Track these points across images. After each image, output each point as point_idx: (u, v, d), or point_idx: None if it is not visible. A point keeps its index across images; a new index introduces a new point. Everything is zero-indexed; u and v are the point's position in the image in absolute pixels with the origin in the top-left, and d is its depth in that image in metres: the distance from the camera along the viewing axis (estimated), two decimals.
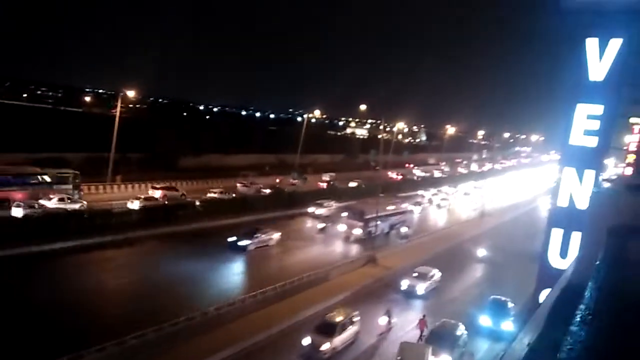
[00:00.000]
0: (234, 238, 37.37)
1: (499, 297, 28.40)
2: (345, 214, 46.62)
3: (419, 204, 63.46)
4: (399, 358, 19.93)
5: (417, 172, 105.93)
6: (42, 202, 39.89)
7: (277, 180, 67.51)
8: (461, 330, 23.70)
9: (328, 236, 45.90)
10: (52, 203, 39.88)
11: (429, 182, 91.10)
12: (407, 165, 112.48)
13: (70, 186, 44.47)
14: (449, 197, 74.51)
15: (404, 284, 31.59)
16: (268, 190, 59.10)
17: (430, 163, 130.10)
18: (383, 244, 43.54)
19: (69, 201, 41.23)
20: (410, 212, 52.94)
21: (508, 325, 26.04)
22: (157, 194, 48.84)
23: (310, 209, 53.37)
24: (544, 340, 3.58)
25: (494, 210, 67.47)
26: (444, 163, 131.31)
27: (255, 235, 38.37)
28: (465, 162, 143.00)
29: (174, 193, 50.98)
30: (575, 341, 2.71)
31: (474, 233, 52.62)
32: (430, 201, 71.29)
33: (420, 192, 73.51)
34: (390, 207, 48.70)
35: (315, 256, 38.49)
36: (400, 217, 50.07)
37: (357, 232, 44.08)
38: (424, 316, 25.73)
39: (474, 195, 78.79)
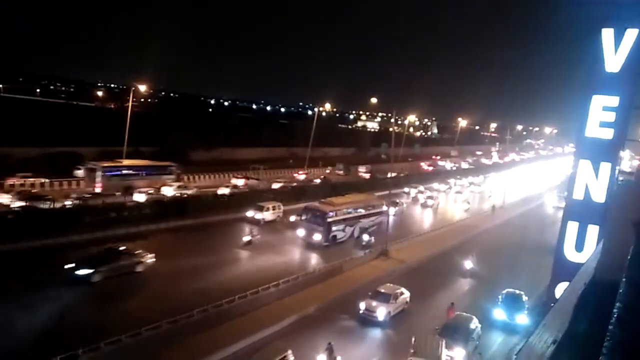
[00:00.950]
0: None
1: (513, 290, 28.24)
2: (304, 216, 38.75)
3: (395, 204, 52.42)
4: (412, 351, 19.94)
5: (448, 164, 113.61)
6: (163, 189, 48.80)
7: (327, 171, 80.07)
8: (475, 323, 23.62)
9: (268, 247, 36.28)
10: (171, 190, 48.97)
11: (459, 173, 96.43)
12: (434, 157, 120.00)
13: (173, 176, 53.06)
14: (436, 195, 66.52)
15: (362, 306, 25.53)
16: (318, 181, 68.10)
17: (452, 155, 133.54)
18: (344, 252, 35.76)
19: (185, 189, 50.71)
20: (387, 213, 42.20)
21: (522, 319, 25.92)
22: (240, 182, 58.62)
23: (249, 213, 42.65)
24: (573, 336, 3.54)
25: (495, 206, 61.61)
26: (479, 153, 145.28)
27: None
28: (483, 153, 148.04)
29: (253, 182, 59.32)
30: (615, 341, 2.66)
31: (452, 243, 42.82)
32: (414, 199, 64.51)
33: (406, 189, 67.33)
34: (361, 207, 41.69)
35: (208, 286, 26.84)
36: (376, 219, 43.22)
37: (317, 237, 37.06)
38: (452, 304, 26.11)
39: (468, 191, 76.21)
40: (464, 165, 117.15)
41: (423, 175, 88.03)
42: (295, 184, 60.54)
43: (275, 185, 58.03)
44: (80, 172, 50.03)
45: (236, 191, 52.36)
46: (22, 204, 37.01)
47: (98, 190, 44.77)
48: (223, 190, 51.34)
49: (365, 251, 36.46)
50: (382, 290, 26.48)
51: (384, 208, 44.09)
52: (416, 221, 54.27)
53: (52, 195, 40.82)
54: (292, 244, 38.11)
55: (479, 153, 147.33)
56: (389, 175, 66.34)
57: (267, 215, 43.27)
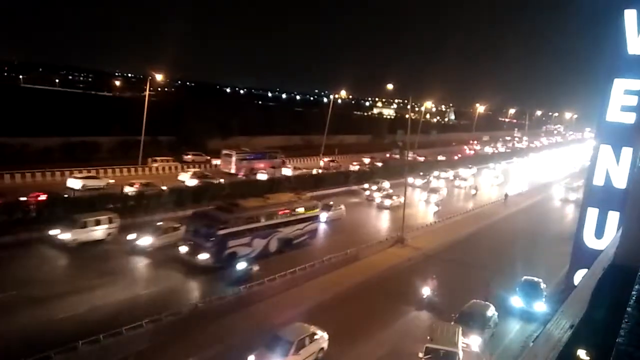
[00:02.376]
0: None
1: (531, 277, 28.02)
2: (190, 227, 29.35)
3: (329, 207, 41.82)
4: (428, 338, 19.96)
5: (489, 148, 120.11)
6: (283, 170, 59.77)
7: (387, 155, 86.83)
8: (492, 311, 23.52)
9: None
10: (289, 171, 59.69)
11: (499, 157, 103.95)
12: (471, 141, 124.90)
13: (279, 160, 63.34)
14: (396, 195, 50.70)
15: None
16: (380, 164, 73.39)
17: (484, 140, 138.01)
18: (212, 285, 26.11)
19: (294, 169, 61.35)
20: (318, 219, 35.95)
21: (540, 306, 25.74)
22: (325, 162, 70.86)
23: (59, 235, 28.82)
24: (590, 321, 3.48)
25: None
26: (508, 138, 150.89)
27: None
28: (509, 138, 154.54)
29: (334, 164, 70.71)
30: (633, 323, 2.60)
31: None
32: (370, 198, 52.07)
33: (366, 185, 55.80)
34: (282, 212, 32.44)
35: None
36: (306, 227, 33.98)
37: (204, 257, 27.24)
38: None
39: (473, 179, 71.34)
40: (502, 149, 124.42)
41: (455, 160, 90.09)
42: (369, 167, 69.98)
43: (354, 167, 67.04)
44: (188, 157, 60.80)
45: (325, 171, 63.00)
46: (197, 181, 47.13)
47: (233, 171, 56.51)
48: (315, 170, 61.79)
49: (241, 287, 24.53)
50: (282, 336, 19.21)
51: (319, 212, 36.54)
52: (342, 234, 38.14)
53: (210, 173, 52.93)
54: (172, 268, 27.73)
55: (507, 138, 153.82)
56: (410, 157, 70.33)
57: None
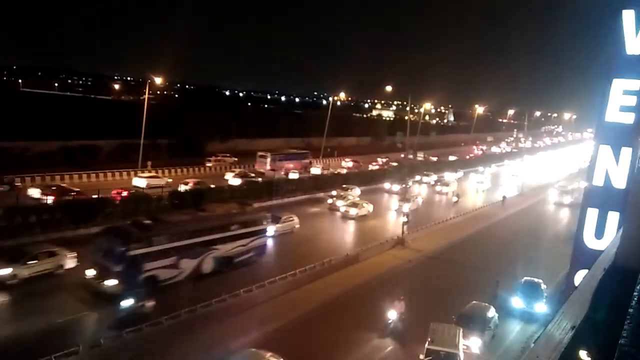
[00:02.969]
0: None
1: (531, 278, 28.00)
2: (99, 246, 24.52)
3: (277, 219, 35.75)
4: (429, 339, 19.91)
5: (496, 148, 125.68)
6: (312, 170, 64.65)
7: (402, 156, 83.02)
8: (492, 312, 23.49)
9: None
10: (319, 170, 64.60)
11: (505, 156, 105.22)
12: (477, 143, 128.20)
13: (309, 160, 69.01)
14: (366, 202, 46.21)
15: None
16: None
17: (488, 141, 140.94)
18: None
19: (324, 169, 65.93)
20: (265, 234, 31.20)
21: (541, 307, 25.72)
22: (349, 164, 74.63)
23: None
24: (591, 322, 3.47)
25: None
26: (511, 139, 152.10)
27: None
28: (512, 139, 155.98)
29: (357, 164, 75.23)
30: (635, 324, 2.59)
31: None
32: (333, 207, 46.43)
33: (334, 192, 49.49)
34: (219, 225, 28.05)
35: None
36: (251, 243, 29.29)
37: (111, 283, 22.58)
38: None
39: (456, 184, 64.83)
40: (507, 149, 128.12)
41: (465, 160, 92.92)
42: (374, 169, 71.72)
43: (373, 167, 72.26)
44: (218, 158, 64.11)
45: (347, 171, 66.41)
46: (240, 180, 51.12)
47: (268, 168, 60.27)
48: (340, 170, 67.19)
49: (124, 331, 19.06)
50: None
51: (265, 225, 31.30)
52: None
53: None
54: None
55: (511, 138, 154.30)
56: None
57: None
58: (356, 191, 51.76)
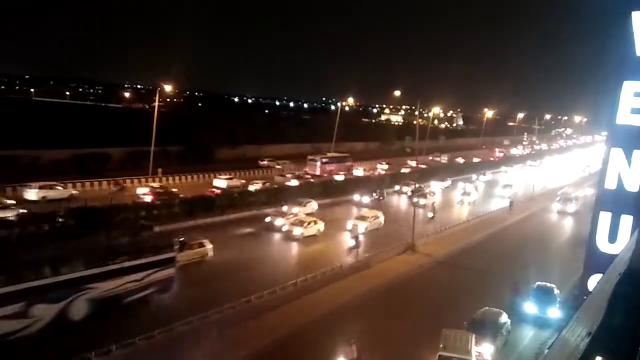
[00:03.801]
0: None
1: (544, 283, 27.72)
2: None
3: (182, 246, 28.82)
4: (441, 346, 19.75)
5: (514, 149, 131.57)
6: (354, 172, 70.28)
7: (430, 158, 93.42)
8: (504, 318, 23.24)
9: None
10: (359, 172, 70.19)
11: (526, 158, 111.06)
12: (497, 145, 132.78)
13: (350, 163, 73.54)
14: (314, 221, 38.80)
15: None
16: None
17: (505, 144, 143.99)
18: None
19: (364, 170, 71.56)
20: (172, 264, 24.80)
21: (554, 312, 25.43)
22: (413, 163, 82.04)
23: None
24: (608, 328, 3.41)
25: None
26: (525, 142, 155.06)
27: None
28: (527, 142, 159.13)
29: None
30: None
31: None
32: (270, 227, 38.74)
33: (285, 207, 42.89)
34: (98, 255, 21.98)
35: None
36: (146, 278, 23.26)
37: None
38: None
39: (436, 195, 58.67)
40: (525, 151, 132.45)
41: (487, 162, 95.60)
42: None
43: (405, 170, 74.51)
44: (264, 162, 70.28)
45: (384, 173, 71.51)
46: (297, 181, 56.85)
47: (318, 172, 66.04)
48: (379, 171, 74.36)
49: None
50: None
51: (170, 254, 24.78)
52: None
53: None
54: None
55: (525, 142, 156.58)
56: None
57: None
58: (313, 205, 45.62)
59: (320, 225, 38.70)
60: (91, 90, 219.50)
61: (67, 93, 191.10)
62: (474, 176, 76.20)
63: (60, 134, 62.87)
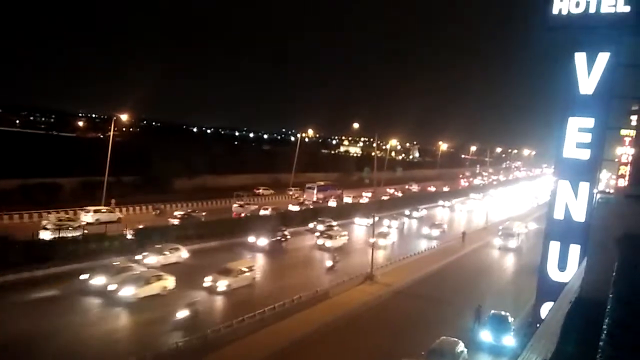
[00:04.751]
0: None
1: (499, 312, 28.25)
2: None
3: None
4: None
5: (477, 180, 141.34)
6: (345, 199, 75.14)
7: (407, 187, 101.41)
8: (461, 347, 23.47)
9: None
10: (350, 199, 74.94)
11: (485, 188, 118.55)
12: (461, 176, 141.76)
13: (340, 191, 78.66)
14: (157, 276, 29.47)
15: None
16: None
17: (465, 175, 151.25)
18: None
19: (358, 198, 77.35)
20: None
21: (509, 340, 25.88)
22: (415, 187, 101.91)
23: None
24: (561, 354, 3.53)
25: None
26: (485, 173, 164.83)
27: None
28: (486, 173, 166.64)
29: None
30: (606, 356, 2.66)
31: None
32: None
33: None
34: None
35: None
36: None
37: None
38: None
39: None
40: (479, 181, 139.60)
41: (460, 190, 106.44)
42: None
43: (385, 197, 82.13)
44: (259, 191, 74.69)
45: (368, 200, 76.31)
46: (299, 207, 62.56)
47: (315, 199, 71.21)
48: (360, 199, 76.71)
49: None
50: None
51: None
52: None
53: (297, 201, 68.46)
54: None
55: (484, 174, 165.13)
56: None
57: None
58: (180, 253, 36.04)
59: (168, 282, 29.30)
60: (43, 119, 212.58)
61: (17, 121, 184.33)
62: (407, 211, 68.67)
63: (8, 163, 60.33)
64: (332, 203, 69.10)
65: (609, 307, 3.65)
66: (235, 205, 58.55)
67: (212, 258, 36.48)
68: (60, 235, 35.99)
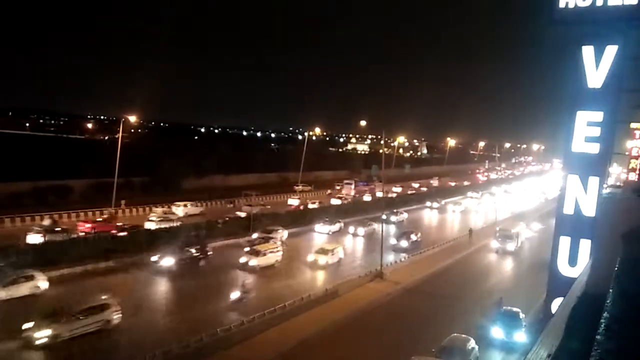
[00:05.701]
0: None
1: (510, 308, 28.15)
2: None
3: None
4: None
5: (493, 174, 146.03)
6: (377, 193, 76.42)
7: (431, 181, 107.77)
8: (471, 344, 23.41)
9: None
10: (380, 193, 71.97)
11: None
12: (478, 170, 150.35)
13: (373, 186, 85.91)
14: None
15: None
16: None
17: (480, 170, 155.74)
18: None
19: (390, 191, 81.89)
20: None
21: (520, 337, 25.78)
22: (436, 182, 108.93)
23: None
24: (565, 350, 3.54)
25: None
26: (499, 167, 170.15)
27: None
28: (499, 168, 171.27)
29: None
30: (602, 350, 2.68)
31: None
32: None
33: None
34: None
35: None
36: None
37: None
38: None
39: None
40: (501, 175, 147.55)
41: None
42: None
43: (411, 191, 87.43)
44: (298, 187, 76.91)
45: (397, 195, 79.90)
46: (340, 201, 68.64)
47: (352, 194, 77.56)
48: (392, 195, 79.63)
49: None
50: None
51: None
52: None
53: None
54: None
55: (498, 168, 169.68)
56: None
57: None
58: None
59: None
60: (52, 122, 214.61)
61: (27, 124, 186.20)
62: (384, 216, 50.86)
63: (20, 166, 61.05)
64: (367, 197, 74.03)
65: (608, 301, 3.65)
66: (244, 207, 58.68)
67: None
68: (161, 226, 43.47)
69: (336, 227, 51.17)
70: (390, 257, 41.93)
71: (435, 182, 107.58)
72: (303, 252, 40.84)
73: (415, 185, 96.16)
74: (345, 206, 64.05)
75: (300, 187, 77.08)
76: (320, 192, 79.63)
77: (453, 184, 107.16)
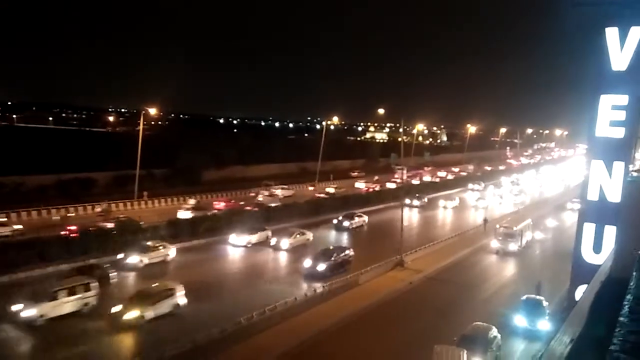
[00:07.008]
0: None
1: (533, 296, 27.87)
2: None
3: None
4: None
5: (524, 159, 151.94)
6: (424, 177, 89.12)
7: (470, 167, 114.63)
8: (494, 332, 23.23)
9: None
10: (427, 177, 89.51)
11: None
12: (509, 155, 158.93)
13: (421, 172, 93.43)
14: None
15: None
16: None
17: (508, 156, 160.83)
18: None
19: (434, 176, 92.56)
20: None
21: (544, 325, 25.53)
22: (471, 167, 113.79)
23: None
24: (588, 334, 3.51)
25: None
26: (526, 153, 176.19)
27: None
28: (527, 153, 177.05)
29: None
30: (625, 331, 2.65)
31: None
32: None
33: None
34: None
35: None
36: None
37: None
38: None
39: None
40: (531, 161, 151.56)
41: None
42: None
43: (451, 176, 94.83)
44: (355, 173, 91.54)
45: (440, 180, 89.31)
46: (395, 185, 76.00)
47: (405, 178, 78.59)
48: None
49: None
50: None
51: None
52: None
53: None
54: None
55: (525, 154, 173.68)
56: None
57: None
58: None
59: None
60: (74, 115, 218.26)
61: (50, 118, 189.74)
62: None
63: (44, 159, 62.35)
64: (416, 181, 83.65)
65: (631, 284, 3.60)
66: (264, 194, 61.82)
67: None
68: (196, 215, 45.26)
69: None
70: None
71: (471, 167, 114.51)
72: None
73: (455, 169, 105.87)
74: (407, 187, 71.73)
75: (356, 172, 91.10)
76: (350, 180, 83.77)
77: (489, 168, 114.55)
